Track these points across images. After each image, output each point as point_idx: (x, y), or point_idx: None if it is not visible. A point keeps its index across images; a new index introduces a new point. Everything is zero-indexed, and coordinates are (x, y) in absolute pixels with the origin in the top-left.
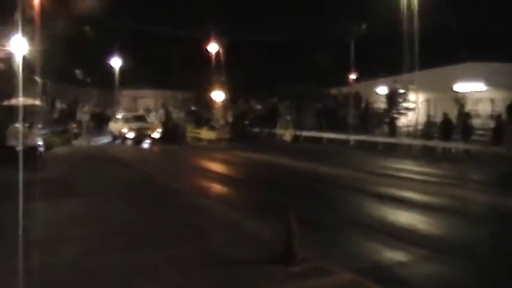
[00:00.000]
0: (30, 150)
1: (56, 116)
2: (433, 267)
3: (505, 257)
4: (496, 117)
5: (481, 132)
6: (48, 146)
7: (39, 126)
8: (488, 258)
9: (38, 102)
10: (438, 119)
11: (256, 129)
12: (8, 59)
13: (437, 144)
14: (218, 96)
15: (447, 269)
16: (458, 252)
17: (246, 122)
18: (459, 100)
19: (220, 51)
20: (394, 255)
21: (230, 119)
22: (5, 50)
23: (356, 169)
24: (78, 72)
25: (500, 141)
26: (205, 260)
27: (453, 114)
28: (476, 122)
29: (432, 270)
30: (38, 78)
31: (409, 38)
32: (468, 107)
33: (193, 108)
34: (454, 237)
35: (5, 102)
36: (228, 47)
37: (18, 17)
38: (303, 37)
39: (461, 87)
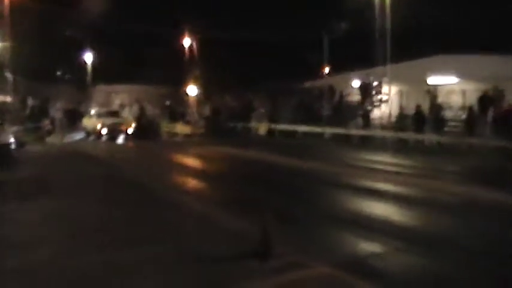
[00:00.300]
0: (1, 148)
1: (28, 113)
2: (408, 259)
3: (479, 247)
4: (468, 109)
5: (453, 123)
6: (20, 144)
7: (11, 123)
8: (462, 249)
9: (8, 99)
10: (411, 111)
11: (231, 124)
12: None
13: (411, 136)
14: (193, 91)
15: (422, 261)
16: (434, 244)
17: (221, 117)
18: (431, 92)
19: (195, 46)
20: (370, 248)
21: (205, 114)
22: None
23: (331, 162)
24: (50, 65)
25: (472, 132)
26: (182, 257)
27: (425, 106)
28: (448, 114)
29: (408, 261)
30: (8, 75)
31: (381, 32)
32: (440, 99)
33: (168, 103)
34: (429, 228)
35: None
36: (203, 43)
37: None
38: (278, 34)
39: (433, 79)
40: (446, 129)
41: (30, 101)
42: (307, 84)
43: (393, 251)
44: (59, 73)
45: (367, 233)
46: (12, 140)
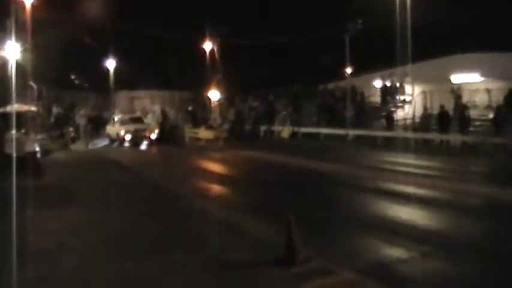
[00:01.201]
0: (28, 157)
1: (52, 120)
2: (433, 264)
3: (508, 252)
4: (496, 108)
5: (478, 123)
6: (46, 152)
7: (36, 131)
8: (490, 254)
9: (33, 107)
10: (435, 111)
11: (254, 127)
12: (2, 65)
13: (435, 136)
14: (215, 95)
15: (448, 266)
16: (460, 248)
17: (244, 120)
18: (455, 91)
19: (216, 50)
20: (395, 253)
21: (228, 118)
22: None
23: (355, 165)
24: (72, 73)
25: (499, 132)
26: (206, 265)
27: (450, 106)
28: (473, 113)
29: (433, 267)
30: (33, 84)
31: (403, 30)
32: (465, 98)
33: (190, 108)
34: (455, 232)
35: (0, 110)
36: (224, 47)
37: (11, 22)
38: (299, 35)
39: (457, 78)
40: (471, 128)
41: (54, 109)
42: (330, 85)
43: (419, 256)
44: (77, 81)
45: (392, 238)
46: (37, 148)
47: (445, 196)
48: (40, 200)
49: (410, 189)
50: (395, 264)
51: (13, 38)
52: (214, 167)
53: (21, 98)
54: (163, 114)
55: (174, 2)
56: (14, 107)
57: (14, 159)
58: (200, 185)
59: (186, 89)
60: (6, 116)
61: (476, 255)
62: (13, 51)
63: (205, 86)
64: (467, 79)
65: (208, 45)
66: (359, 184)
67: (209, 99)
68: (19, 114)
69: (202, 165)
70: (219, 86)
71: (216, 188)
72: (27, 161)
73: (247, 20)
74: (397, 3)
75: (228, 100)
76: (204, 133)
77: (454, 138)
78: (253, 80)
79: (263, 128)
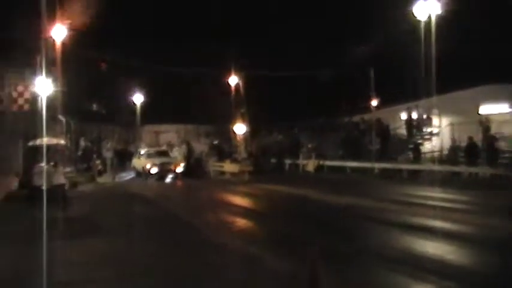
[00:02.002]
0: (56, 189)
1: (80, 153)
2: None
3: None
4: None
5: (507, 155)
6: (73, 184)
7: (64, 164)
8: None
9: (62, 141)
10: (463, 143)
11: (279, 161)
12: (32, 100)
13: (463, 169)
14: (240, 128)
15: None
16: (489, 285)
17: (269, 154)
18: (483, 123)
19: (240, 84)
20: None
21: (253, 152)
22: (30, 91)
23: (380, 199)
24: (97, 107)
25: None
26: None
27: (478, 138)
28: (502, 145)
29: None
30: (61, 117)
31: (427, 61)
32: (493, 130)
33: (215, 141)
34: (484, 269)
35: (31, 143)
36: (248, 80)
37: (41, 58)
38: (322, 68)
39: (484, 109)
40: (500, 160)
41: (82, 142)
42: (355, 118)
43: None
44: (103, 112)
45: (419, 273)
46: (65, 181)
47: (473, 231)
48: (67, 232)
49: (437, 223)
50: None
51: (43, 74)
52: (239, 200)
53: (51, 131)
54: (189, 147)
55: (199, 37)
56: (44, 140)
57: (44, 192)
58: (224, 218)
59: (211, 122)
60: (36, 149)
61: None
62: (43, 86)
63: (230, 119)
64: (496, 110)
65: (233, 79)
66: (385, 218)
67: (234, 132)
68: (48, 147)
69: (226, 199)
70: (244, 120)
71: (240, 222)
72: (55, 193)
73: (272, 52)
74: (422, 33)
75: (252, 133)
76: (229, 167)
77: (483, 170)
78: (278, 113)
79: (288, 161)
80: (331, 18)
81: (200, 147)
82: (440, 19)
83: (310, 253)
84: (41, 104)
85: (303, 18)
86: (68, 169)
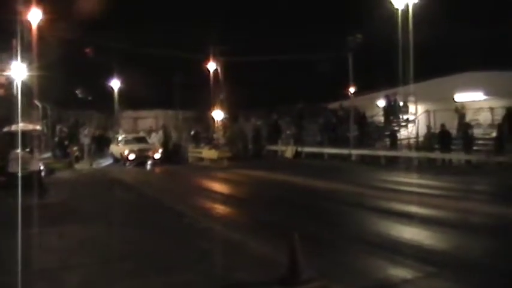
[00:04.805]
0: (32, 176)
1: (56, 139)
2: (439, 285)
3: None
4: (498, 126)
5: (482, 142)
6: (50, 171)
7: (41, 150)
8: (496, 273)
9: (38, 127)
10: (438, 130)
11: (258, 147)
12: (8, 85)
13: (439, 155)
14: (218, 114)
15: (453, 286)
16: (466, 268)
17: (247, 140)
18: (459, 110)
19: (219, 69)
20: (399, 273)
21: (231, 138)
22: (4, 75)
23: (358, 184)
24: (78, 92)
25: (502, 150)
26: (209, 284)
27: (453, 125)
28: (477, 132)
29: (437, 287)
30: (37, 103)
31: (405, 49)
32: (468, 117)
33: (194, 128)
34: (460, 252)
35: (5, 128)
36: (227, 66)
37: (16, 42)
38: (300, 53)
39: (460, 97)
40: (475, 147)
41: (58, 128)
42: (333, 105)
43: (424, 276)
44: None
45: (397, 257)
46: (42, 167)
47: (449, 215)
48: (44, 218)
49: (413, 208)
50: (399, 284)
51: (18, 58)
52: (218, 186)
53: (26, 117)
54: (166, 133)
55: (179, 21)
56: (19, 126)
57: (19, 178)
58: (204, 204)
59: (189, 108)
60: (11, 135)
61: (481, 274)
62: (18, 71)
63: (209, 105)
64: (471, 98)
65: (212, 65)
66: (362, 203)
67: (213, 118)
68: (24, 133)
69: (205, 185)
70: (222, 106)
71: (219, 207)
72: (31, 179)
73: (251, 38)
74: (400, 21)
75: (230, 119)
76: (207, 153)
77: (457, 157)
78: (257, 99)
79: (267, 147)
80: (309, 3)
81: (178, 133)
82: (418, 8)
83: (289, 237)
84: (17, 89)
85: (283, 2)
86: (44, 155)
